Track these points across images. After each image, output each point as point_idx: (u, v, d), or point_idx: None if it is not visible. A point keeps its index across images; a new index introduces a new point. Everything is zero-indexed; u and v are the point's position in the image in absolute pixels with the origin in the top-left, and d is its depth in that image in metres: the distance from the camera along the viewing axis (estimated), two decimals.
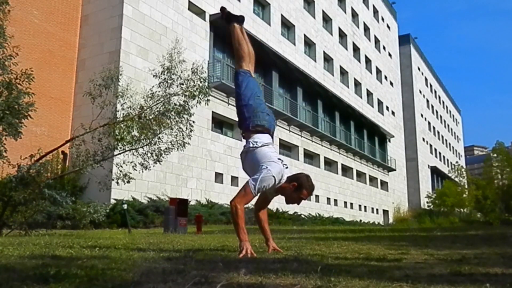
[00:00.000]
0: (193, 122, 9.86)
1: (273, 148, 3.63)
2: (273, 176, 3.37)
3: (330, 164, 33.05)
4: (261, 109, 3.72)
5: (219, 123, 22.56)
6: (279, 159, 3.53)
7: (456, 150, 75.67)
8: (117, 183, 9.51)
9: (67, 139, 10.25)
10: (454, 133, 76.08)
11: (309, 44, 32.31)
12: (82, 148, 9.11)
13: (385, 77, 46.44)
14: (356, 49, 40.05)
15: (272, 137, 3.74)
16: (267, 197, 3.74)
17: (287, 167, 3.57)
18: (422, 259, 2.97)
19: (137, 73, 17.30)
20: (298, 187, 3.48)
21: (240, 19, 3.98)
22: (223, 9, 4.09)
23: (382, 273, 2.21)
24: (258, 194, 3.55)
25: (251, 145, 3.57)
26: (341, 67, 36.46)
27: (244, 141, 3.79)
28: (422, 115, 57.44)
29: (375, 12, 46.01)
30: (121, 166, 9.21)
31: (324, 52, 33.90)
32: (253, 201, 3.68)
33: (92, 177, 12.55)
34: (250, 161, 3.55)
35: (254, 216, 3.83)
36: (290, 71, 27.90)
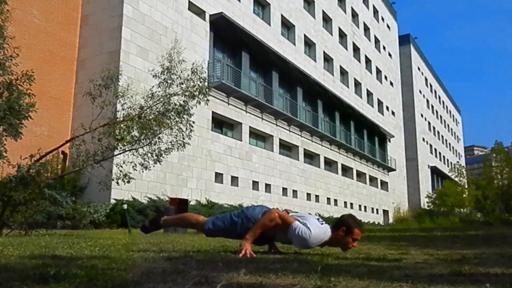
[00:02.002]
0: (193, 122, 9.85)
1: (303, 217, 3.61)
2: (319, 237, 3.40)
3: (330, 164, 33.04)
4: (246, 212, 3.66)
5: (219, 123, 22.55)
6: (317, 219, 3.57)
7: (456, 150, 75.66)
8: (117, 183, 9.49)
9: (67, 139, 10.24)
10: (454, 133, 76.08)
11: (309, 44, 32.31)
12: (82, 148, 9.10)
13: (385, 77, 46.43)
14: (356, 49, 40.05)
15: None
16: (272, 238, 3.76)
17: (323, 223, 3.57)
18: (422, 259, 2.97)
19: (137, 73, 17.30)
20: (347, 230, 3.47)
21: (156, 217, 3.95)
22: (143, 227, 4.04)
23: (382, 273, 2.21)
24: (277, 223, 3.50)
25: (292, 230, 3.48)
26: (341, 67, 36.46)
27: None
28: (422, 115, 57.42)
29: (375, 12, 46.00)
30: (121, 166, 9.20)
31: (324, 52, 33.89)
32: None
33: (92, 177, 12.54)
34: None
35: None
36: (290, 71, 27.89)
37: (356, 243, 3.53)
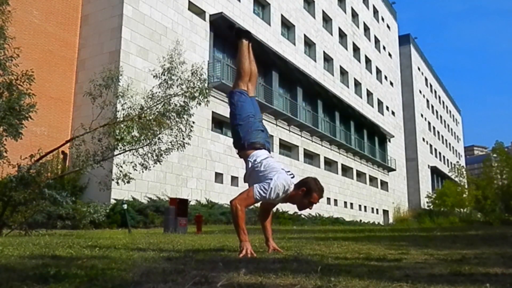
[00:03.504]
0: (193, 122, 9.86)
1: (275, 161, 3.62)
2: (281, 187, 3.36)
3: (330, 164, 33.04)
4: (255, 127, 3.72)
5: (219, 123, 22.56)
6: (283, 169, 3.52)
7: (456, 150, 75.65)
8: (117, 183, 9.51)
9: (67, 139, 10.25)
10: (454, 133, 76.07)
11: (309, 44, 32.31)
12: (82, 148, 9.11)
13: (385, 77, 46.43)
14: (356, 49, 40.05)
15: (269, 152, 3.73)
16: (270, 206, 3.76)
17: (293, 177, 3.55)
18: (422, 259, 2.97)
19: (137, 73, 17.30)
20: (307, 192, 3.47)
21: (250, 36, 4.00)
22: (232, 26, 4.12)
23: (382, 273, 2.21)
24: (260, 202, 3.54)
25: (250, 165, 3.56)
26: (341, 67, 36.46)
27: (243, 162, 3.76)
28: (422, 115, 57.43)
29: (375, 12, 46.00)
30: (121, 166, 9.21)
31: (324, 52, 33.90)
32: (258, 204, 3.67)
33: (92, 177, 12.55)
34: (256, 177, 3.48)
35: (257, 215, 3.84)
36: (290, 71, 27.90)
37: (312, 206, 3.54)
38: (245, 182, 3.68)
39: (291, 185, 3.45)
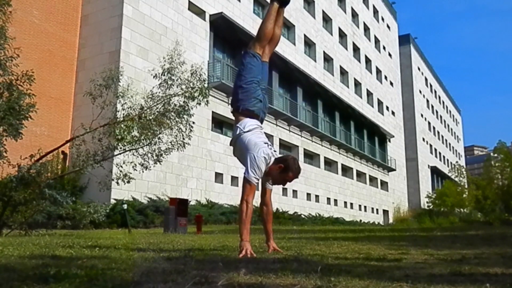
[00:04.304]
0: (193, 122, 9.86)
1: (260, 133, 3.66)
2: (263, 158, 3.42)
3: (330, 164, 33.04)
4: (256, 95, 3.73)
5: (219, 123, 22.56)
6: (265, 143, 3.56)
7: (456, 150, 75.65)
8: (117, 183, 9.51)
9: (67, 139, 10.25)
10: (454, 133, 76.07)
11: (309, 44, 32.31)
12: (82, 148, 9.11)
13: (385, 77, 46.44)
14: (356, 49, 40.05)
15: (262, 123, 3.77)
16: (264, 186, 3.77)
17: (275, 151, 3.62)
18: (422, 259, 2.97)
19: (137, 73, 17.30)
20: (284, 169, 3.52)
21: (284, 2, 3.88)
22: None
23: (382, 273, 2.21)
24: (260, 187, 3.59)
25: (237, 132, 3.60)
26: (341, 67, 36.46)
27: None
28: (422, 115, 57.42)
29: (375, 12, 46.00)
30: (121, 166, 9.21)
31: (324, 52, 33.90)
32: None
33: (92, 177, 12.55)
34: (239, 148, 3.58)
35: (259, 214, 3.84)
36: (290, 71, 27.89)
37: (287, 184, 3.61)
38: (230, 145, 3.75)
39: (272, 158, 3.51)
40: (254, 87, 3.74)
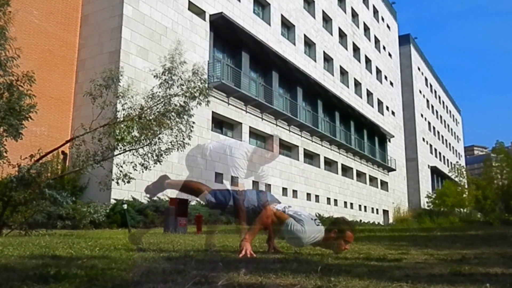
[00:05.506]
0: (193, 123, 9.86)
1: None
2: (301, 236, 3.47)
3: (330, 164, 33.04)
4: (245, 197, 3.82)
5: (219, 123, 22.55)
6: (314, 219, 3.66)
7: (456, 150, 75.64)
8: (117, 183, 9.49)
9: (67, 139, 10.24)
10: (454, 133, 76.06)
11: (309, 44, 32.30)
12: (82, 148, 9.10)
13: (385, 77, 46.43)
14: (356, 49, 40.04)
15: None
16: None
17: (318, 224, 3.68)
18: (422, 259, 2.97)
19: (137, 73, 17.29)
20: (339, 233, 3.55)
21: (160, 180, 4.29)
22: (147, 189, 4.36)
23: (382, 273, 2.21)
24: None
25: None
26: (341, 67, 36.45)
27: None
28: (422, 115, 57.41)
29: (375, 12, 46.00)
30: (121, 166, 9.20)
31: (324, 52, 33.89)
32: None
33: (92, 177, 12.53)
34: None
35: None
36: (290, 71, 27.89)
37: (348, 245, 3.59)
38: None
39: (321, 234, 3.56)
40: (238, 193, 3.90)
